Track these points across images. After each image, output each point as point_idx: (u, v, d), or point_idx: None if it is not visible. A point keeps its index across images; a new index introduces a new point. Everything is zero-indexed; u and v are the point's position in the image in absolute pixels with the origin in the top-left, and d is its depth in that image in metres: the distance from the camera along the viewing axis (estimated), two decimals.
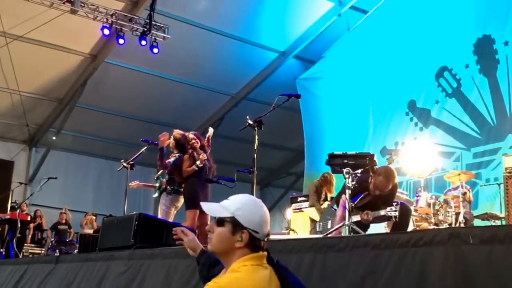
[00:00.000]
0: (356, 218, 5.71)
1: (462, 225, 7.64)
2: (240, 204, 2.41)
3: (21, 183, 13.20)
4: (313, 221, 9.40)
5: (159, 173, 8.05)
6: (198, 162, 7.37)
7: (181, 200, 7.75)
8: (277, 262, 2.39)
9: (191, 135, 7.79)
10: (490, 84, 9.91)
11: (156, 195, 8.01)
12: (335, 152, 5.97)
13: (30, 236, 14.02)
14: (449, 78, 10.64)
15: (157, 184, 7.98)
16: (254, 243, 2.36)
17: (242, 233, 2.35)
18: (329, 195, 9.23)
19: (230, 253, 2.37)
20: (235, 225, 2.36)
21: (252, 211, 2.41)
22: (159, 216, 7.63)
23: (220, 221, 2.40)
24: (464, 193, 8.10)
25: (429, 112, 10.89)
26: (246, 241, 2.35)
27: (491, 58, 9.97)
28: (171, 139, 7.81)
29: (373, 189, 5.87)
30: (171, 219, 7.54)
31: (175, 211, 7.78)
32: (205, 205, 2.50)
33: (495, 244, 2.39)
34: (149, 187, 8.87)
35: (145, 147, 8.21)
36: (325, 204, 9.10)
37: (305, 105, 13.31)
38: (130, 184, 8.45)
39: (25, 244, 13.40)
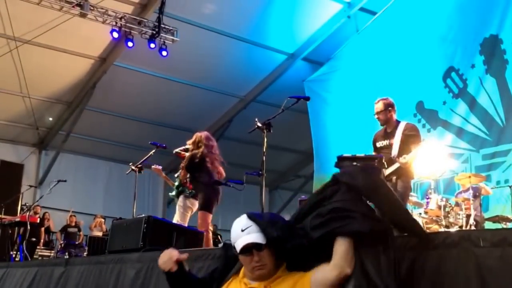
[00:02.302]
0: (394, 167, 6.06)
1: (472, 227, 7.61)
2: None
3: (31, 186, 13.27)
4: None
5: (179, 172, 8.01)
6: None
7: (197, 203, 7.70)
8: None
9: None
10: (498, 84, 9.84)
11: (173, 193, 7.98)
12: (344, 154, 5.94)
13: (42, 240, 14.06)
14: (456, 79, 10.59)
15: (176, 183, 7.92)
16: None
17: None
18: None
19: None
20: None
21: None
22: (176, 218, 7.61)
23: (260, 246, 2.61)
24: (480, 190, 8.16)
25: (436, 113, 10.83)
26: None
27: (499, 58, 9.90)
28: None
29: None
30: (186, 222, 7.51)
31: (191, 214, 7.75)
32: (247, 241, 2.63)
33: (506, 247, 2.37)
34: (168, 182, 8.81)
35: (154, 150, 8.19)
36: None
37: (313, 107, 13.27)
38: (153, 166, 8.43)
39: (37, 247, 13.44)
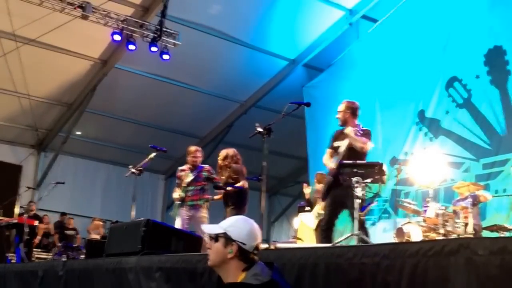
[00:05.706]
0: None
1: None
2: (231, 222, 2.88)
3: (29, 188, 13.24)
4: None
5: None
6: None
7: None
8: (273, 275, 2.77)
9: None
10: (501, 95, 9.85)
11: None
12: (345, 161, 5.95)
13: (36, 240, 13.88)
14: (460, 89, 10.59)
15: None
16: (244, 254, 2.80)
17: (231, 246, 2.79)
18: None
19: (225, 265, 2.81)
20: (226, 239, 2.81)
21: (240, 227, 2.86)
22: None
23: (215, 238, 2.85)
24: (478, 198, 8.15)
25: (439, 123, 10.83)
26: (235, 252, 2.79)
27: (502, 69, 9.91)
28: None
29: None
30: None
31: None
32: (205, 227, 3.01)
33: (506, 255, 2.37)
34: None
35: (154, 154, 8.18)
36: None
37: (311, 112, 13.22)
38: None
39: (34, 249, 13.35)
